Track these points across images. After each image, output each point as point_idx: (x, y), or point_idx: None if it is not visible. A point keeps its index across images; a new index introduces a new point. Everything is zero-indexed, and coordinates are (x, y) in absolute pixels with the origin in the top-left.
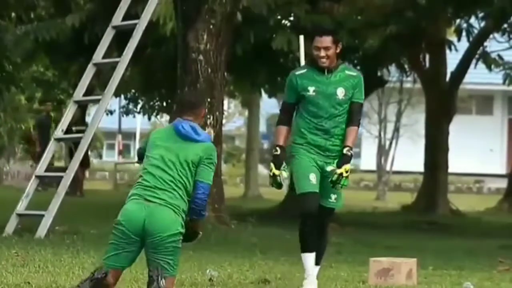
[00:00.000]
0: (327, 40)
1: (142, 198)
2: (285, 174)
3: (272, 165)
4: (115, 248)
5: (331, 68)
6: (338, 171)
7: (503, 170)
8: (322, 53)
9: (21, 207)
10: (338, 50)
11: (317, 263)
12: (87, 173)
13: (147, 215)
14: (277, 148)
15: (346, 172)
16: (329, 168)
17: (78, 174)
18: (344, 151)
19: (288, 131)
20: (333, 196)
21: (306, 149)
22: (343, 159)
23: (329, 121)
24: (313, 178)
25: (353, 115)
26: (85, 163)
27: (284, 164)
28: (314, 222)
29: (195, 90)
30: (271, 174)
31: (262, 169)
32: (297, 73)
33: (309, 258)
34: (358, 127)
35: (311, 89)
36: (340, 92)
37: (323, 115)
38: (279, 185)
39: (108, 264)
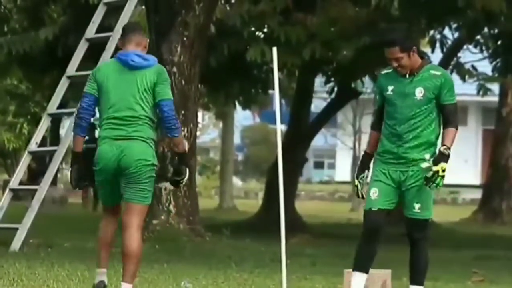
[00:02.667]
0: (394, 51)
1: (111, 139)
2: (360, 185)
3: (355, 173)
4: (104, 190)
5: (413, 71)
6: (434, 168)
7: (477, 181)
8: (394, 64)
9: None
10: (412, 56)
11: (411, 283)
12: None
13: (119, 152)
14: (363, 155)
15: (443, 171)
16: (424, 165)
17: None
18: (442, 149)
19: (377, 136)
20: (417, 206)
21: (382, 159)
22: (440, 157)
23: (402, 125)
24: (374, 193)
25: (449, 117)
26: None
27: (364, 173)
28: (375, 241)
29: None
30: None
31: (236, 181)
32: (383, 72)
33: (355, 277)
34: (456, 128)
35: (390, 88)
36: (419, 92)
37: (397, 117)
38: (360, 197)
39: (107, 205)
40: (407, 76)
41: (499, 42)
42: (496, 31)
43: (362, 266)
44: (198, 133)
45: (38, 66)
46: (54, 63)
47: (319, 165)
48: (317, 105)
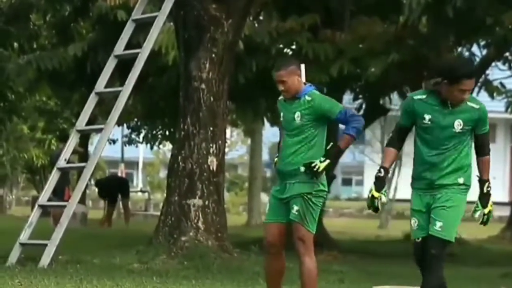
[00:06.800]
0: None
1: None
2: (384, 198)
3: (373, 186)
4: None
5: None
6: (486, 210)
7: (505, 198)
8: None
9: (24, 237)
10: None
11: None
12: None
13: None
14: (381, 170)
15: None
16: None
17: (125, 206)
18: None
19: (395, 154)
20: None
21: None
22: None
23: (438, 155)
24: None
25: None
26: (126, 194)
27: (385, 187)
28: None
29: None
30: (370, 195)
31: (264, 198)
32: (416, 97)
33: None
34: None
35: (427, 117)
36: (457, 125)
37: (433, 147)
38: (376, 209)
39: None
40: (449, 105)
41: None
42: None
43: None
44: (226, 149)
45: (67, 82)
46: (83, 79)
47: (347, 182)
48: None
